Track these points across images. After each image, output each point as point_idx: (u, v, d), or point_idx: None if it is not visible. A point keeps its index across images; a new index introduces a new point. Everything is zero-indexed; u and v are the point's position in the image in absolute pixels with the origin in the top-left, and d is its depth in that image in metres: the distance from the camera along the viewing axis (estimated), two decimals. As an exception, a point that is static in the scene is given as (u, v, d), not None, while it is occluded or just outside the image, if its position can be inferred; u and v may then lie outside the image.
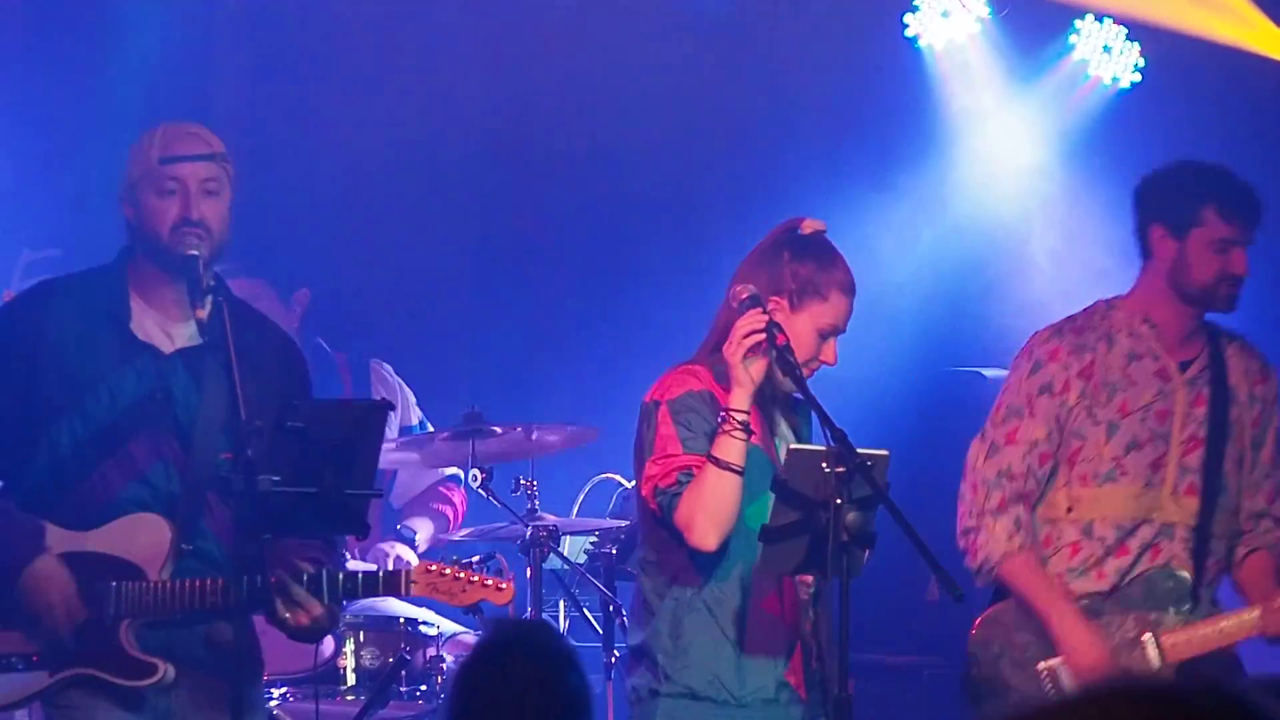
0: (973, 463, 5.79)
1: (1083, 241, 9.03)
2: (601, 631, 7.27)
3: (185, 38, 8.39)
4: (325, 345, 7.71)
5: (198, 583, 5.11)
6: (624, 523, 7.28)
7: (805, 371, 5.26)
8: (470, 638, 7.14)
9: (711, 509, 5.16)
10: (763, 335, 5.14)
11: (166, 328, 5.28)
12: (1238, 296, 5.77)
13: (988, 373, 8.54)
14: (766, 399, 5.33)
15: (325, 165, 8.58)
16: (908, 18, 9.01)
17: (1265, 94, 8.73)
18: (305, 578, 5.09)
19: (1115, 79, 9.10)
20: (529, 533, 7.03)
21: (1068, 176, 9.15)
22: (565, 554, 7.37)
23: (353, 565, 6.95)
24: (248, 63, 8.61)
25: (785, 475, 5.05)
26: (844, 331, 5.36)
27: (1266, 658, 5.85)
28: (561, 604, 7.60)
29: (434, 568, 5.22)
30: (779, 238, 5.40)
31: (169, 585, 5.12)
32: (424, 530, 7.79)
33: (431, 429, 7.83)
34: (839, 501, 4.90)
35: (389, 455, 7.03)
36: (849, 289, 5.34)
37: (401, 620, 7.09)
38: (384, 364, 7.95)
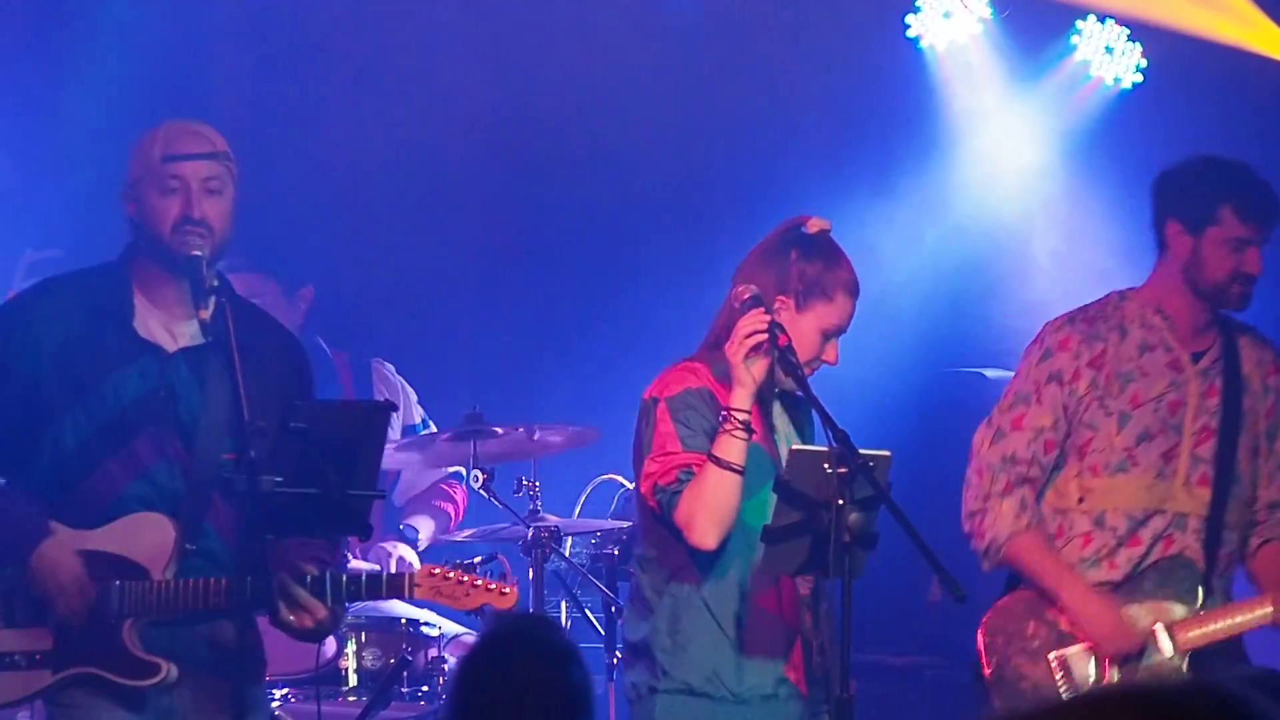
0: (978, 448, 5.82)
1: (1084, 242, 9.04)
2: (603, 632, 7.27)
3: (187, 37, 8.38)
4: (325, 345, 7.71)
5: (201, 582, 5.10)
6: (626, 523, 7.28)
7: (807, 371, 5.28)
8: (472, 639, 7.14)
9: (712, 508, 5.17)
10: (764, 335, 5.15)
11: (170, 326, 5.28)
12: (1250, 295, 5.79)
13: (989, 373, 8.54)
14: (767, 395, 5.33)
15: (327, 165, 8.57)
16: (909, 18, 9.01)
17: (1267, 94, 8.72)
18: (309, 579, 5.08)
19: (1117, 79, 9.09)
20: (531, 533, 7.03)
21: (1069, 177, 9.14)
22: (567, 555, 7.37)
23: (354, 565, 6.96)
24: (250, 63, 8.60)
25: (787, 476, 5.05)
26: (846, 332, 5.37)
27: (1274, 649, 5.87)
28: (563, 604, 7.60)
29: (437, 571, 5.22)
30: (784, 236, 5.40)
31: (172, 585, 5.12)
32: (425, 528, 7.78)
33: (434, 427, 7.83)
34: (841, 502, 4.90)
35: (390, 456, 7.02)
36: (854, 290, 5.35)
37: (403, 621, 7.09)
38: (385, 363, 7.94)
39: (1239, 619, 5.68)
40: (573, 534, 7.43)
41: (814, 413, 5.22)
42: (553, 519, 7.18)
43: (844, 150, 8.96)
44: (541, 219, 9.14)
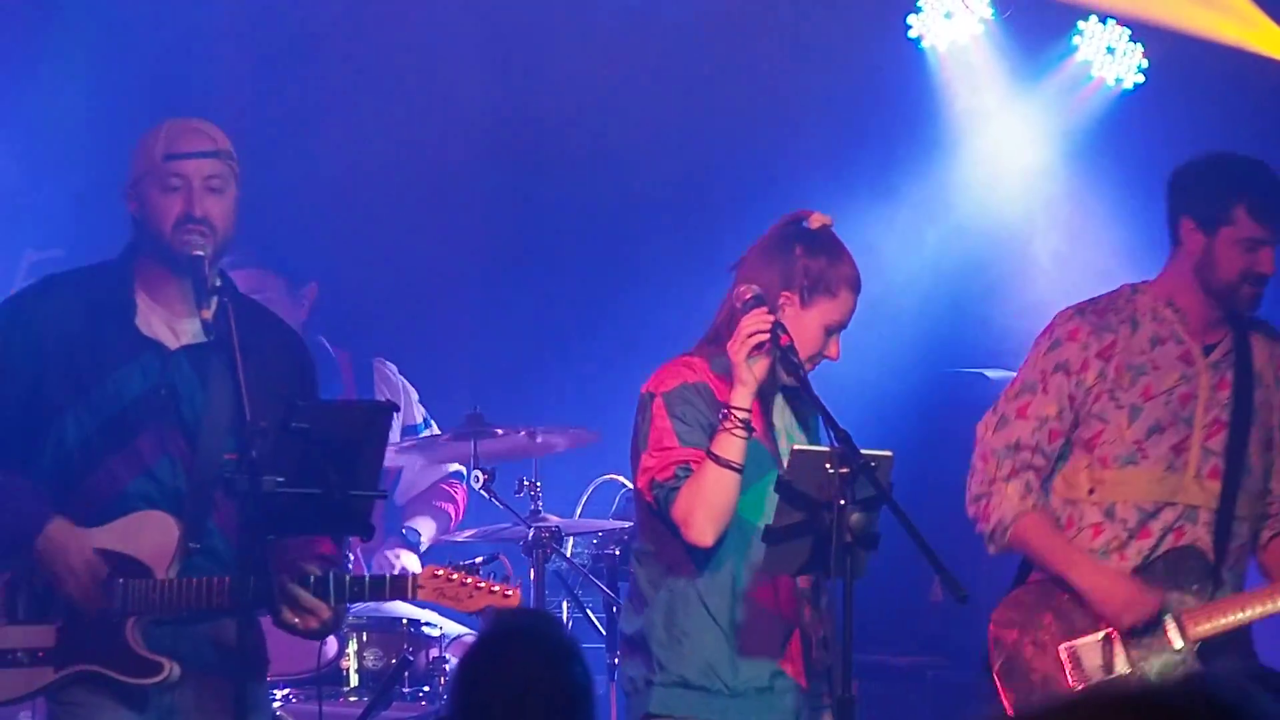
0: (982, 434, 5.84)
1: (1086, 242, 9.04)
2: (604, 632, 7.27)
3: (189, 37, 8.38)
4: (327, 344, 7.71)
5: (204, 581, 5.10)
6: (627, 524, 7.28)
7: (810, 366, 5.30)
8: (473, 638, 7.14)
9: (710, 505, 5.18)
10: (767, 335, 5.15)
11: (172, 324, 5.28)
12: (1261, 295, 5.80)
13: (991, 374, 8.54)
14: (768, 390, 5.34)
15: (328, 164, 8.57)
16: (911, 19, 9.01)
17: (1268, 94, 8.72)
18: (312, 580, 5.08)
19: (1118, 80, 9.09)
20: (532, 534, 7.03)
21: (1071, 177, 9.14)
22: (568, 555, 7.37)
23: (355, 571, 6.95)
24: (251, 63, 8.60)
25: (789, 476, 5.05)
26: (847, 327, 5.38)
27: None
28: (565, 605, 7.60)
29: (441, 572, 5.22)
30: (786, 231, 5.41)
31: (176, 583, 5.11)
32: (427, 530, 7.79)
33: (435, 427, 7.84)
34: (842, 502, 4.90)
35: (391, 457, 7.03)
36: (856, 286, 5.37)
37: (404, 621, 7.09)
38: (387, 363, 7.94)
39: (1249, 610, 5.69)
40: (574, 534, 7.44)
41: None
42: (554, 519, 7.19)
43: (845, 150, 8.96)
44: (543, 219, 9.14)
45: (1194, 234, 5.79)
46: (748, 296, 5.24)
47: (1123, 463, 5.77)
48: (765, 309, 5.20)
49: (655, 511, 5.29)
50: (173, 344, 5.26)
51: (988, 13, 8.99)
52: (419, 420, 7.87)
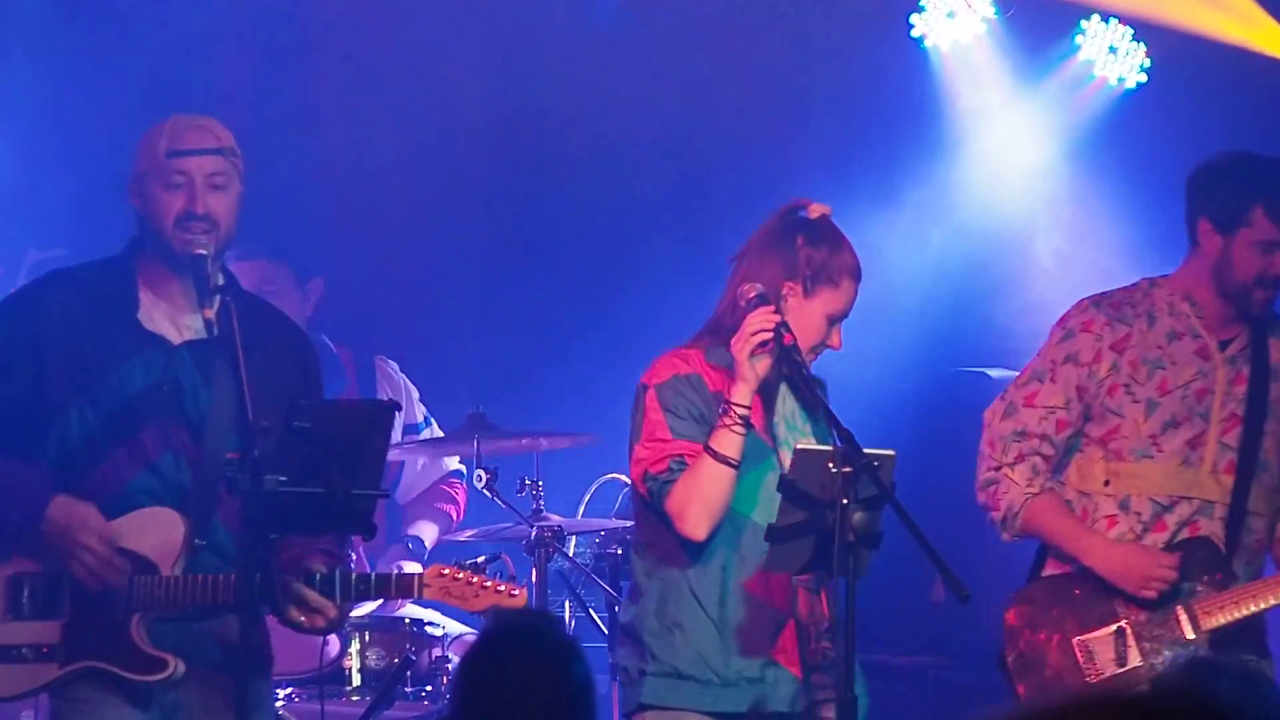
0: (990, 420, 5.86)
1: (1088, 242, 9.04)
2: (607, 631, 7.27)
3: (191, 36, 8.38)
4: (329, 342, 7.71)
5: (210, 578, 5.10)
6: (629, 523, 7.28)
7: (812, 356, 5.33)
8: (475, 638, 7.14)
9: (705, 500, 5.20)
10: (770, 334, 5.16)
11: (175, 319, 5.28)
12: (1273, 299, 5.80)
13: (993, 373, 8.54)
14: (773, 381, 5.33)
15: (330, 164, 8.57)
16: (914, 18, 9.01)
17: (1271, 94, 8.72)
18: (318, 578, 5.08)
19: (1121, 79, 9.09)
20: (534, 533, 7.03)
21: (1073, 177, 9.14)
22: (570, 554, 7.37)
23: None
24: (254, 62, 8.60)
25: (792, 475, 5.05)
26: (849, 316, 5.38)
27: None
28: (567, 604, 7.60)
29: (446, 571, 5.22)
30: (786, 222, 5.41)
31: (181, 580, 5.11)
32: (430, 535, 7.79)
33: (435, 425, 7.84)
34: (845, 502, 4.90)
35: (393, 454, 7.03)
36: (858, 274, 5.38)
37: (407, 621, 7.09)
38: (389, 361, 7.95)
39: (1261, 601, 5.70)
40: (576, 533, 7.43)
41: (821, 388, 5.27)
42: (556, 518, 7.19)
43: (847, 150, 8.96)
44: (544, 219, 9.14)
45: (1211, 235, 5.79)
46: (751, 295, 5.25)
47: (1138, 456, 5.78)
48: (771, 308, 5.21)
49: (648, 503, 5.31)
50: (176, 339, 5.26)
51: (990, 12, 8.99)
52: (420, 419, 7.87)
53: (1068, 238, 9.13)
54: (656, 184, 9.10)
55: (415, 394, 7.92)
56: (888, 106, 9.08)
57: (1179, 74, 8.94)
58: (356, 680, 6.93)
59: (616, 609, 7.09)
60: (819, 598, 5.35)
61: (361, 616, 7.05)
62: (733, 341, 5.21)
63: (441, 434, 7.79)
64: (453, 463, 7.90)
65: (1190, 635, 5.69)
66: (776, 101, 9.09)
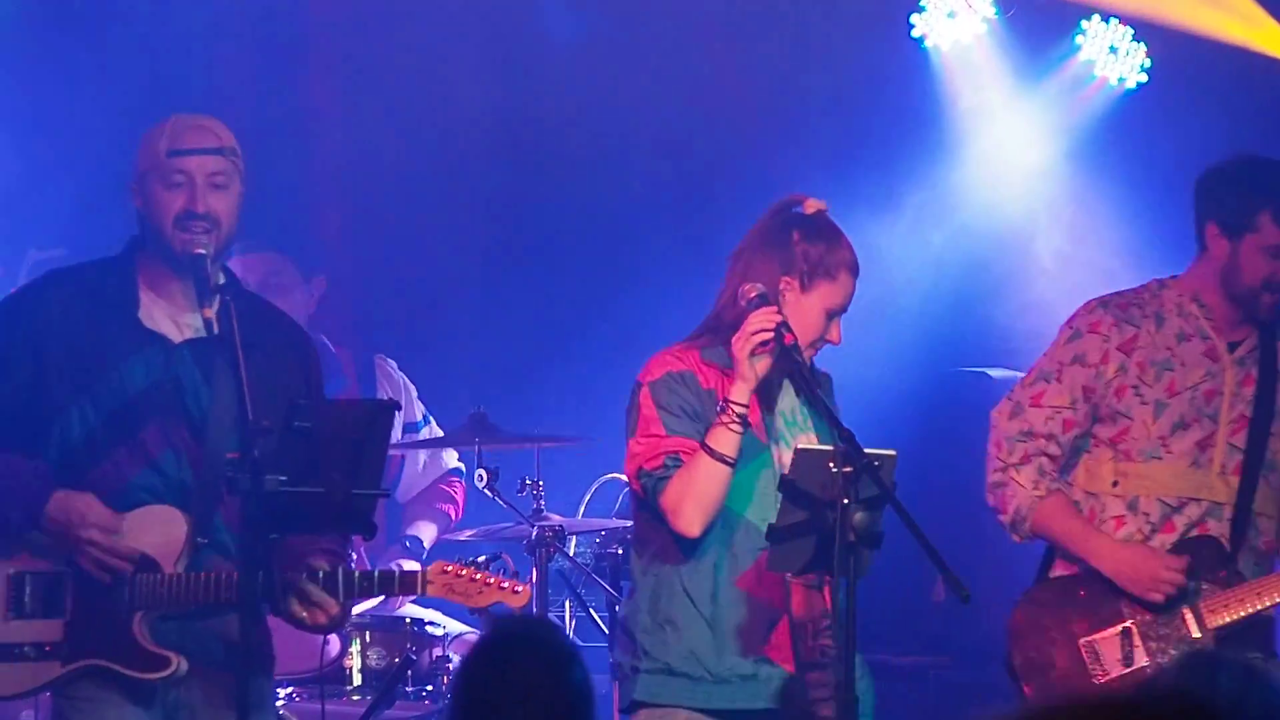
0: (997, 421, 5.87)
1: (1088, 242, 9.04)
2: (607, 631, 7.27)
3: (191, 36, 8.38)
4: (328, 342, 7.71)
5: (212, 576, 5.11)
6: (630, 523, 7.29)
7: (812, 351, 5.34)
8: (476, 638, 7.14)
9: (700, 497, 5.21)
10: (772, 334, 5.16)
11: (176, 317, 5.28)
12: None
13: (994, 373, 8.54)
14: (774, 379, 5.34)
15: (331, 164, 8.58)
16: (914, 18, 9.01)
17: (1272, 94, 8.72)
18: (321, 575, 5.09)
19: (1121, 79, 9.09)
20: (535, 533, 7.03)
21: (1073, 177, 9.14)
22: (571, 554, 7.37)
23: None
24: (254, 62, 8.60)
25: (793, 475, 5.05)
26: (847, 310, 5.38)
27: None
28: (567, 604, 7.60)
29: (450, 568, 5.23)
30: (782, 218, 5.42)
31: (184, 578, 5.12)
32: (429, 535, 7.79)
33: (435, 423, 7.84)
34: (846, 501, 4.91)
35: (393, 451, 7.04)
36: (855, 268, 5.38)
37: (408, 620, 7.09)
38: (388, 359, 7.95)
39: (1266, 598, 5.70)
40: (577, 533, 7.44)
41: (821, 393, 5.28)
42: (557, 518, 7.19)
43: (848, 150, 8.96)
44: (545, 220, 9.14)
45: (1219, 240, 5.80)
46: (753, 295, 5.25)
47: (1147, 457, 5.79)
48: (774, 309, 5.21)
49: (642, 500, 5.34)
50: (176, 337, 5.26)
51: (991, 12, 8.99)
52: (419, 417, 7.88)
53: (1068, 237, 9.13)
54: (657, 184, 9.10)
55: (414, 392, 7.92)
56: (888, 106, 9.08)
57: (1179, 74, 8.94)
58: (357, 680, 6.93)
59: (617, 609, 7.09)
60: (819, 595, 5.35)
61: (362, 616, 7.05)
62: (733, 340, 5.22)
63: (441, 433, 7.80)
64: (452, 459, 7.90)
65: (1196, 634, 5.70)
66: (777, 102, 9.09)
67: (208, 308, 5.11)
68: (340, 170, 8.61)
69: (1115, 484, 5.81)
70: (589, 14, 8.79)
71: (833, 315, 5.36)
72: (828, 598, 5.32)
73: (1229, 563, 5.76)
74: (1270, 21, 8.85)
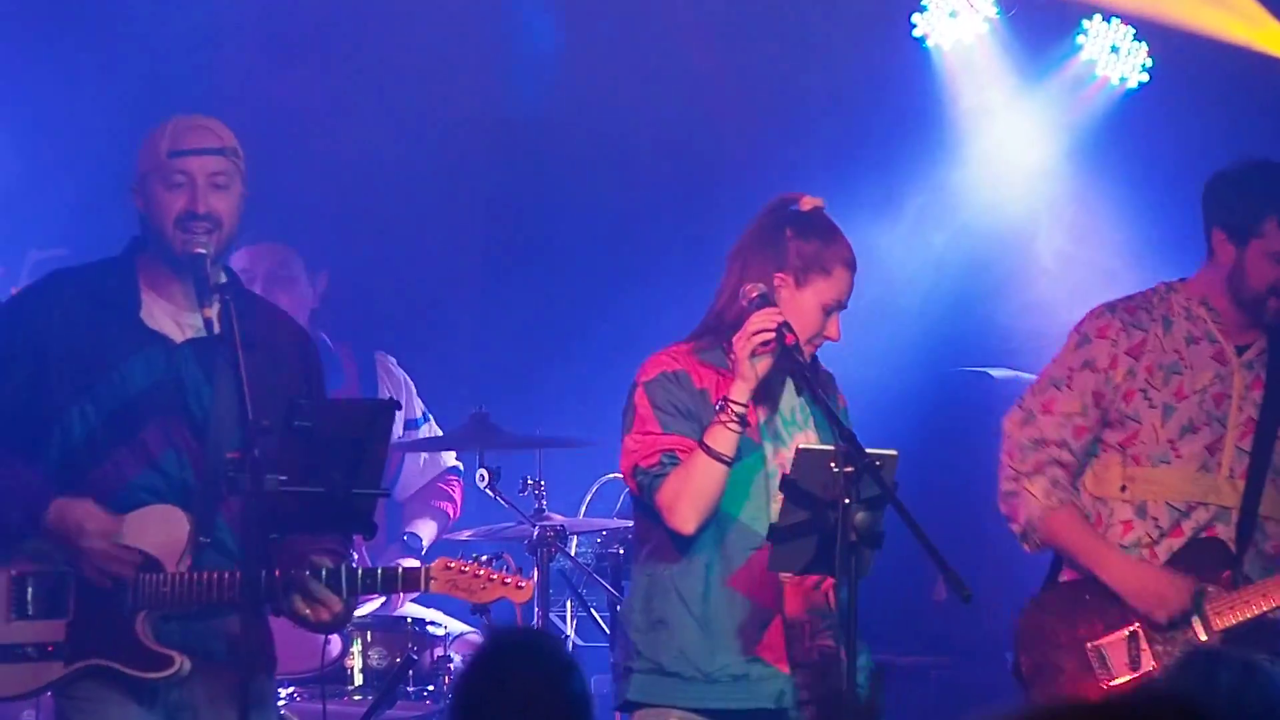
0: (1009, 429, 5.86)
1: (1089, 242, 9.03)
2: (608, 631, 7.27)
3: (192, 35, 8.38)
4: (328, 339, 7.72)
5: (215, 575, 5.11)
6: (631, 522, 7.28)
7: (810, 347, 5.33)
8: (477, 638, 7.14)
9: (696, 495, 5.22)
10: (773, 335, 5.16)
11: (177, 317, 5.28)
12: None
13: (995, 373, 8.54)
14: (775, 381, 5.34)
15: (333, 164, 8.57)
16: (916, 17, 9.00)
17: (1273, 94, 8.71)
18: (324, 572, 5.09)
19: (1123, 79, 9.08)
20: (536, 532, 7.03)
21: (1075, 176, 9.14)
22: (572, 554, 7.37)
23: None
24: (257, 61, 8.59)
25: (794, 475, 5.05)
26: (846, 306, 5.37)
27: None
28: (569, 604, 7.60)
29: (453, 564, 5.23)
30: (777, 215, 5.42)
31: (187, 577, 5.12)
32: (428, 533, 7.79)
33: (434, 421, 7.84)
34: (847, 501, 4.91)
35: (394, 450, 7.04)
36: (851, 264, 5.37)
37: (409, 620, 7.09)
38: (388, 356, 7.95)
39: (1272, 599, 5.70)
40: (578, 533, 7.43)
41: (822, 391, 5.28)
42: (558, 518, 7.19)
43: (849, 150, 8.96)
44: (545, 220, 9.14)
45: (1225, 245, 5.80)
46: (754, 295, 5.25)
47: (1156, 461, 5.78)
48: (775, 309, 5.21)
49: (637, 497, 5.34)
50: (178, 337, 5.26)
51: (992, 11, 8.99)
52: (419, 414, 7.88)
53: (1069, 237, 9.13)
54: (659, 185, 9.10)
55: (414, 389, 7.92)
56: (889, 106, 9.08)
57: (1181, 74, 8.93)
58: (358, 680, 6.93)
59: (618, 608, 7.09)
60: (817, 594, 5.34)
61: (363, 616, 7.05)
62: (734, 339, 5.22)
63: (439, 432, 7.80)
64: (450, 458, 7.90)
65: (1203, 636, 5.70)
66: (778, 101, 9.08)
67: (208, 307, 5.11)
68: (340, 170, 8.60)
69: (1123, 489, 5.81)
70: (591, 13, 8.78)
71: (830, 311, 5.35)
72: (829, 598, 5.32)
73: (1234, 565, 5.76)
74: (1272, 21, 8.84)
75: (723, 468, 5.22)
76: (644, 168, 9.04)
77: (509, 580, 5.27)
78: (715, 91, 9.04)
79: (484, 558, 5.51)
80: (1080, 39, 9.07)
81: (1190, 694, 2.27)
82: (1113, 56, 9.08)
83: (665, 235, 9.10)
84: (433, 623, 7.13)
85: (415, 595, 7.40)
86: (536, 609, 6.96)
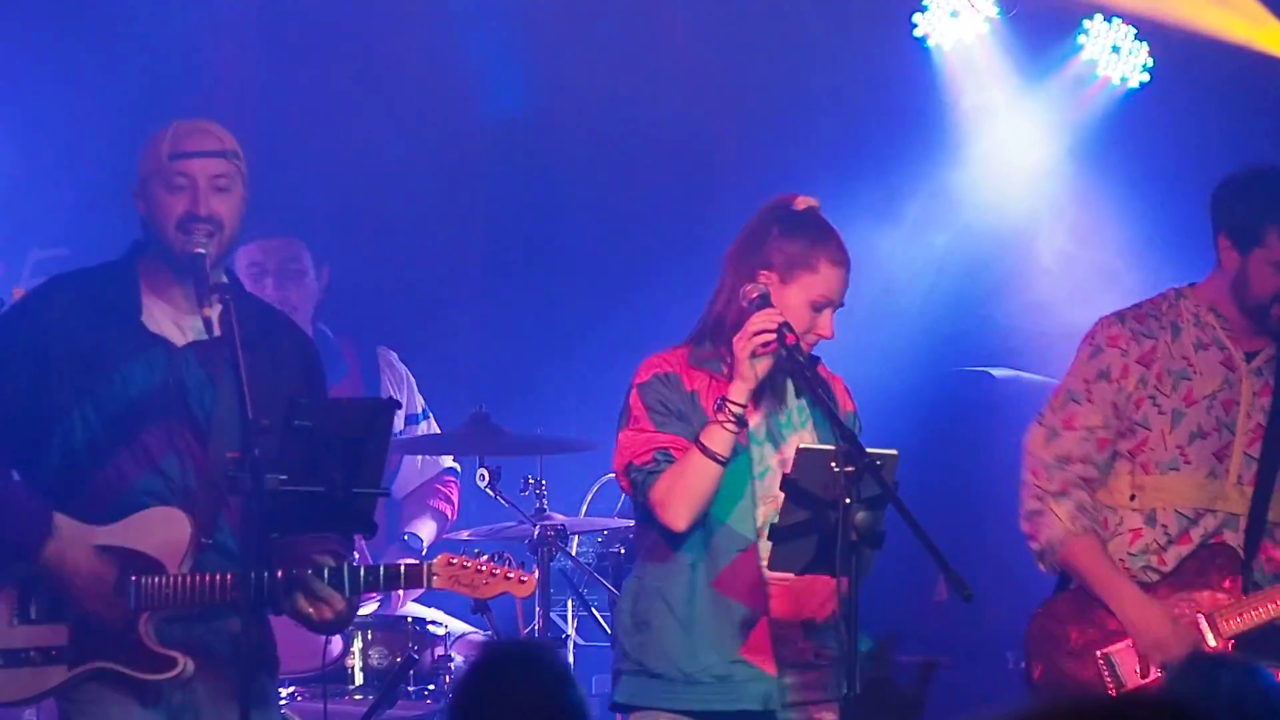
0: (1032, 447, 5.84)
1: (1090, 241, 9.03)
2: (610, 631, 7.26)
3: (193, 35, 8.38)
4: (328, 331, 7.72)
5: (218, 577, 5.11)
6: (632, 522, 7.28)
7: (803, 345, 5.30)
8: (478, 637, 7.14)
9: (689, 492, 5.23)
10: (774, 335, 5.16)
11: (179, 321, 5.29)
12: None
13: (996, 372, 8.53)
14: (775, 381, 5.34)
15: (336, 163, 8.57)
16: (917, 17, 9.01)
17: (1274, 94, 8.72)
18: (327, 571, 5.09)
19: (1124, 79, 9.09)
20: (537, 532, 7.03)
21: (1076, 176, 9.13)
22: (573, 553, 7.37)
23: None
24: (262, 61, 8.60)
25: (794, 475, 5.05)
26: (840, 304, 5.36)
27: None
28: (570, 603, 7.60)
29: (455, 560, 5.24)
30: (767, 215, 5.42)
31: (189, 579, 5.12)
32: (428, 533, 7.79)
33: (433, 419, 7.84)
34: (848, 501, 4.91)
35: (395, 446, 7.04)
36: (841, 262, 5.35)
37: (409, 620, 7.09)
38: (390, 351, 7.95)
39: (1279, 600, 5.70)
40: (579, 532, 7.44)
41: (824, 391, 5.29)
42: (559, 517, 7.19)
43: (850, 150, 8.96)
44: (546, 221, 9.14)
45: (1229, 251, 5.80)
46: (754, 295, 5.25)
47: (1165, 468, 5.78)
48: (775, 310, 5.21)
49: (630, 496, 5.37)
50: (180, 341, 5.27)
51: (993, 11, 8.99)
52: (419, 410, 7.88)
53: (1070, 237, 9.13)
54: (660, 186, 9.10)
55: (415, 385, 7.93)
56: (890, 106, 9.08)
57: (1182, 74, 8.93)
58: (359, 679, 6.92)
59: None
60: (811, 595, 5.32)
61: (364, 616, 7.05)
62: (735, 339, 5.22)
63: (438, 429, 7.80)
64: (447, 459, 7.90)
65: (1212, 642, 5.69)
66: (779, 102, 9.09)
67: (207, 307, 5.12)
68: (340, 170, 8.60)
69: (1133, 497, 5.80)
70: (595, 14, 8.79)
71: (819, 308, 5.33)
72: (830, 599, 5.32)
73: (1244, 571, 5.75)
74: (1273, 21, 8.84)
75: (717, 467, 5.22)
76: (645, 168, 9.04)
77: (511, 575, 5.27)
78: (715, 91, 9.04)
79: (485, 555, 5.51)
80: (1081, 39, 9.07)
81: (1190, 698, 2.27)
82: (1114, 56, 9.08)
83: (666, 235, 9.10)
84: (433, 622, 7.13)
85: (418, 594, 7.41)
86: (538, 608, 6.96)
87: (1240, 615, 5.71)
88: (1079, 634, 5.77)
